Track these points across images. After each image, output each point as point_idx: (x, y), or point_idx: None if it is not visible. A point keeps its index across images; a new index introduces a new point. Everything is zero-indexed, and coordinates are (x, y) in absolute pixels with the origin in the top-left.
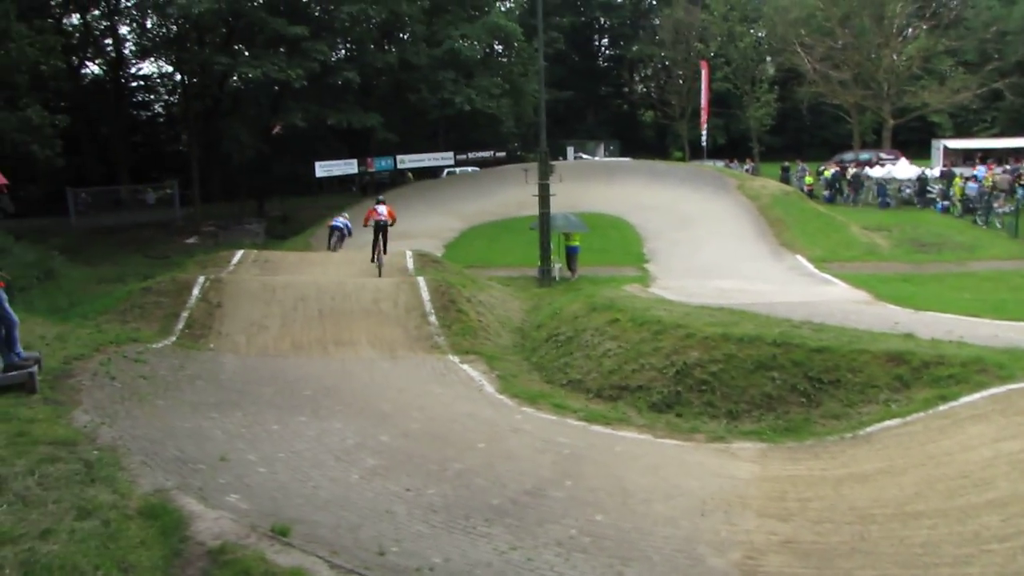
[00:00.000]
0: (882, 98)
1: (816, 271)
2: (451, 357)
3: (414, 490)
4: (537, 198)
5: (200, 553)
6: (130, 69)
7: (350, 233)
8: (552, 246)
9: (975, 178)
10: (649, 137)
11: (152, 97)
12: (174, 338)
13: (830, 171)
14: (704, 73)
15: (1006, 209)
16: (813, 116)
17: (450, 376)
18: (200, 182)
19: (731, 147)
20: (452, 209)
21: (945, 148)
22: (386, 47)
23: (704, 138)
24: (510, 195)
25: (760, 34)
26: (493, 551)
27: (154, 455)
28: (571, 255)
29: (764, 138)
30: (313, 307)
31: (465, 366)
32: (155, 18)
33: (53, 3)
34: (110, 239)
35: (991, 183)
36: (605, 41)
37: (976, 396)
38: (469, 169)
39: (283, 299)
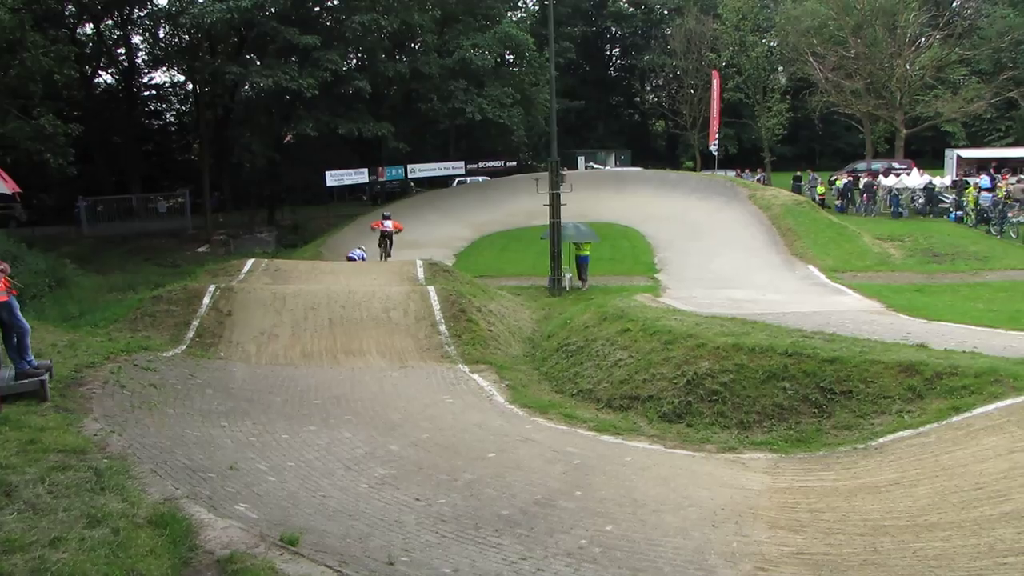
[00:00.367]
0: (895, 108)
1: (828, 281)
2: (461, 367)
3: (424, 500)
4: (548, 207)
5: (209, 562)
6: (142, 78)
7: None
8: (563, 256)
9: (979, 186)
10: (660, 147)
11: (164, 106)
12: (184, 347)
13: (842, 181)
14: (715, 83)
15: (1020, 219)
16: (825, 126)
17: (460, 386)
18: (211, 191)
19: (743, 157)
20: (462, 218)
21: (959, 157)
22: (397, 57)
23: (715, 148)
24: (521, 205)
25: (772, 44)
26: (503, 561)
27: (164, 464)
28: (582, 265)
29: (776, 148)
30: (323, 316)
31: (475, 376)
32: (167, 28)
33: (67, 13)
34: (121, 247)
35: (1005, 192)
36: (616, 51)
37: (990, 407)
38: (480, 178)
39: (293, 308)
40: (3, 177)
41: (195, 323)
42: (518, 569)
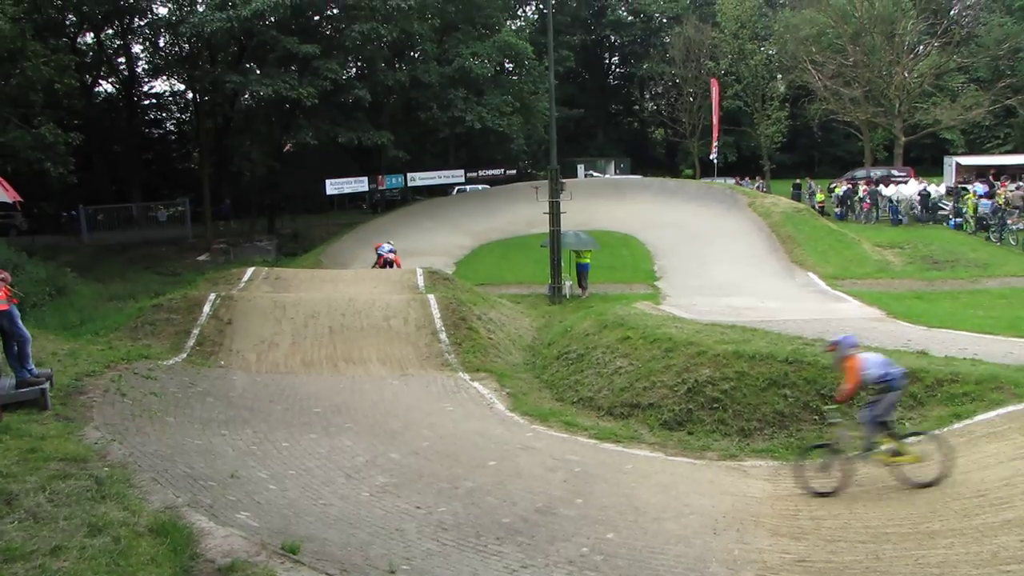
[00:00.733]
0: (893, 115)
1: (828, 288)
2: (461, 375)
3: (424, 508)
4: (548, 216)
5: (210, 571)
6: (143, 87)
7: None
8: (563, 264)
9: (976, 193)
10: (659, 155)
11: (164, 115)
12: (185, 355)
13: (841, 188)
14: (715, 91)
15: (1020, 226)
16: (824, 133)
17: (460, 394)
18: (221, 199)
19: (742, 165)
20: (462, 226)
21: (957, 165)
22: (397, 65)
23: (715, 156)
24: (520, 213)
25: (771, 52)
26: (504, 569)
27: (164, 472)
28: (582, 272)
29: (775, 155)
30: (323, 324)
31: (476, 384)
32: (168, 37)
33: (68, 23)
34: (121, 256)
35: (1004, 199)
36: (616, 59)
37: (992, 414)
38: (479, 187)
39: (294, 316)
40: (3, 186)
41: (195, 331)
42: None
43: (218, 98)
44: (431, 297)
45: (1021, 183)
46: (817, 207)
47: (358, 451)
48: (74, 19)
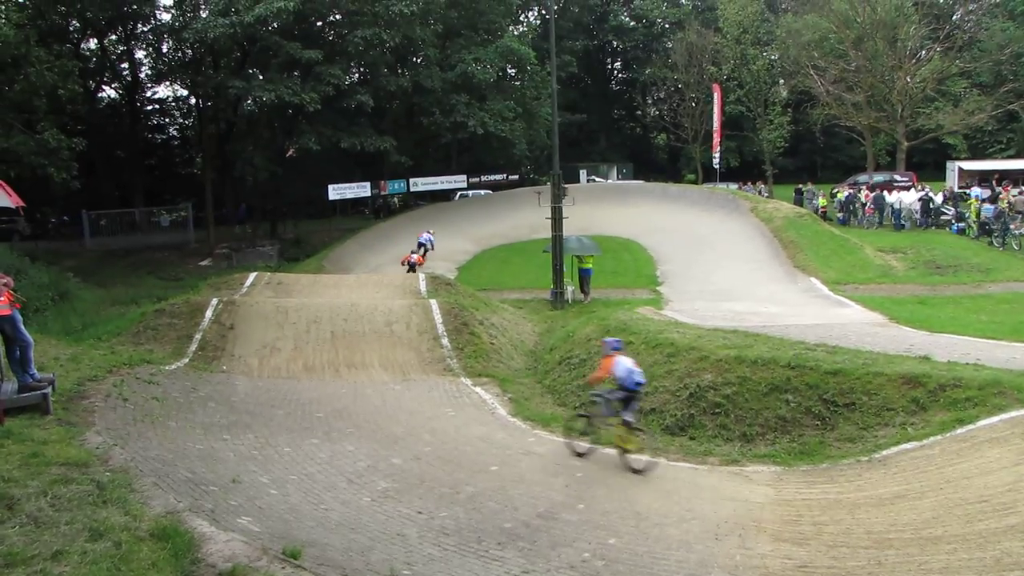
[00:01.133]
0: (896, 120)
1: (830, 293)
2: (463, 380)
3: (426, 513)
4: (550, 221)
5: None
6: (146, 93)
7: (432, 247)
8: (565, 269)
9: (979, 198)
10: (662, 160)
11: (167, 120)
12: (187, 360)
13: (843, 193)
14: (717, 96)
15: (1022, 231)
16: (826, 138)
17: (462, 399)
18: (216, 204)
19: (744, 169)
20: (465, 232)
21: (960, 170)
22: (399, 71)
23: (717, 161)
24: (523, 218)
25: (773, 57)
26: (505, 574)
27: (166, 477)
28: (584, 277)
29: (777, 160)
30: (325, 329)
31: (478, 389)
32: (171, 42)
33: (71, 29)
34: (124, 261)
35: (1007, 204)
36: (618, 64)
37: (995, 419)
38: (482, 192)
39: (296, 321)
40: (6, 191)
41: (198, 336)
42: None
43: (221, 103)
44: (433, 302)
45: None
46: (819, 212)
47: (360, 456)
48: (78, 25)
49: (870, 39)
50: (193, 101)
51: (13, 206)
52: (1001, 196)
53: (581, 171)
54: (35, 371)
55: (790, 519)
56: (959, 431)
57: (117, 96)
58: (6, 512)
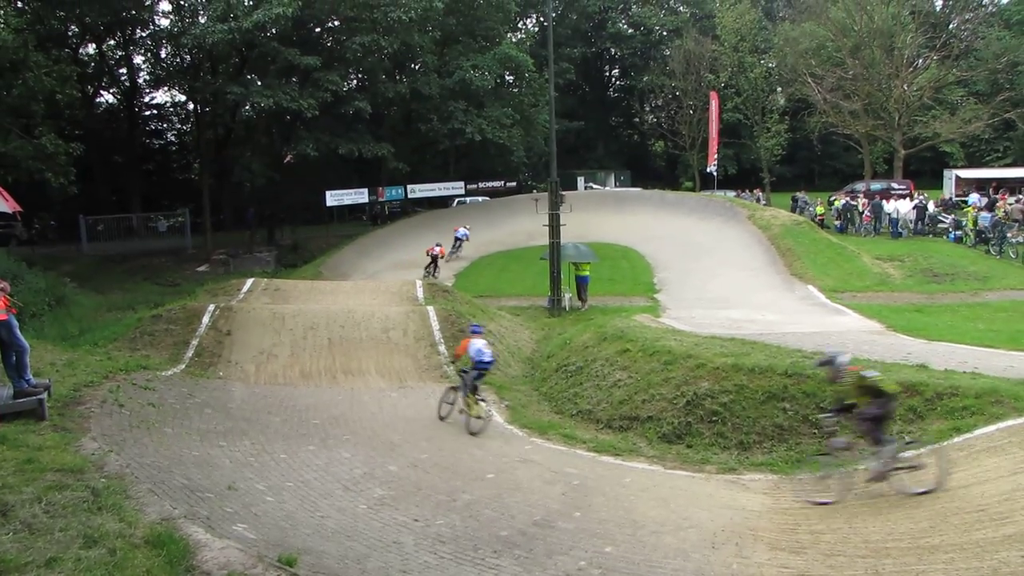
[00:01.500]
0: (893, 128)
1: (827, 301)
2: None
3: (422, 520)
4: (547, 228)
5: None
6: (144, 98)
7: (467, 239)
8: (562, 276)
9: (975, 206)
10: (659, 167)
11: (165, 126)
12: (183, 366)
13: (840, 201)
14: (714, 103)
15: (1020, 239)
16: (824, 146)
17: (459, 406)
18: (211, 210)
19: (741, 177)
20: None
21: (957, 178)
22: (397, 77)
23: (714, 168)
24: (520, 225)
25: (770, 65)
26: None
27: (161, 483)
28: (581, 285)
29: (775, 168)
30: (322, 336)
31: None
32: (169, 48)
33: (70, 34)
34: (121, 267)
35: (1004, 213)
36: (616, 72)
37: (992, 428)
38: (479, 199)
39: (293, 328)
40: (3, 196)
41: (194, 342)
42: None
43: (219, 109)
44: (430, 309)
45: (1021, 196)
46: (816, 220)
47: (356, 463)
48: (76, 30)
49: (867, 47)
50: (191, 107)
51: (10, 211)
52: (998, 204)
53: (579, 178)
54: (31, 376)
55: (787, 528)
56: (956, 440)
57: (115, 101)
58: (0, 518)
